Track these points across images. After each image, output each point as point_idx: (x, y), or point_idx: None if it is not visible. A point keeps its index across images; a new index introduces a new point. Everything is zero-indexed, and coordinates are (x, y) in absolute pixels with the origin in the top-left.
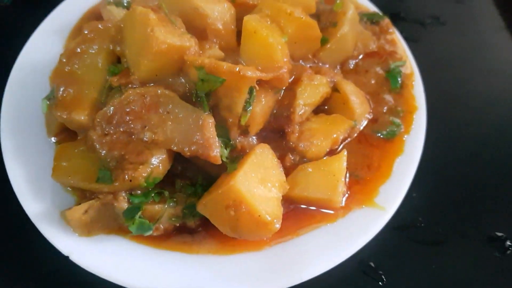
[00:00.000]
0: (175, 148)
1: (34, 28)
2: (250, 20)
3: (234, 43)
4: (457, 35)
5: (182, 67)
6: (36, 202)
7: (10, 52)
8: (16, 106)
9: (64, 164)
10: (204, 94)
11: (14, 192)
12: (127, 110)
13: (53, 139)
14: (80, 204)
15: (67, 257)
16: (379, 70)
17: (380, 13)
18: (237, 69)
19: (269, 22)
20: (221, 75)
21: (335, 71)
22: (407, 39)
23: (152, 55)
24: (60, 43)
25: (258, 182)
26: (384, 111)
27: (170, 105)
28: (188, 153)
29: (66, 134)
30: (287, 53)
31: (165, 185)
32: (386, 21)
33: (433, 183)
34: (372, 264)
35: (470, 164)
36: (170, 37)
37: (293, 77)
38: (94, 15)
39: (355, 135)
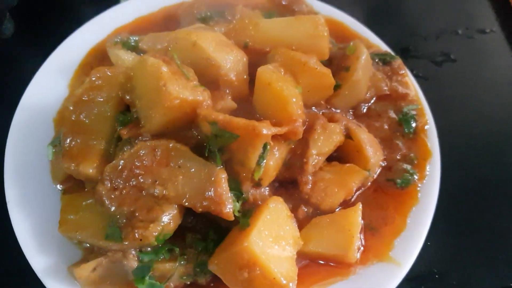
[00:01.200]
0: (186, 203)
1: (37, 62)
2: (264, 72)
3: (247, 92)
4: (468, 72)
5: (195, 120)
6: (42, 256)
7: (12, 89)
8: (21, 150)
9: (72, 217)
10: (217, 149)
11: (20, 246)
12: (137, 164)
13: (59, 187)
14: (87, 259)
15: None
16: (391, 114)
17: (392, 53)
18: (253, 127)
19: (282, 72)
20: (235, 131)
21: (348, 116)
22: (418, 77)
23: (164, 109)
24: (64, 82)
25: (272, 241)
26: (398, 158)
27: (182, 160)
28: (200, 209)
29: (73, 182)
30: (301, 105)
31: (175, 239)
32: (399, 62)
33: (449, 231)
34: None
35: (486, 211)
36: (183, 92)
37: (306, 125)
38: (100, 53)
39: (369, 183)
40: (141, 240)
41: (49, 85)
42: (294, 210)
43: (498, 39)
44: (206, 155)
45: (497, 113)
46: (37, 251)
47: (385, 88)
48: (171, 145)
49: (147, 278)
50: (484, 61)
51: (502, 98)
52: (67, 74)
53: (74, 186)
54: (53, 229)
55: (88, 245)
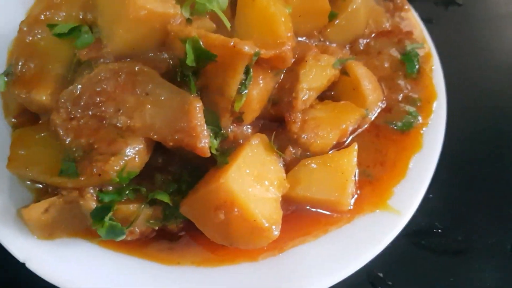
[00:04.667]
0: (155, 136)
1: None
2: None
3: (228, 13)
4: (474, 18)
5: (165, 39)
6: None
7: None
8: None
9: (22, 152)
10: (191, 72)
11: None
12: (98, 89)
13: (12, 121)
14: (39, 201)
15: (23, 264)
16: (393, 52)
17: None
18: (232, 43)
19: None
20: (212, 50)
21: (344, 51)
22: (423, 19)
23: (129, 22)
24: (22, 10)
25: (253, 180)
26: (399, 99)
27: (150, 85)
28: (171, 143)
29: (27, 116)
30: (291, 27)
31: (142, 181)
32: None
33: (453, 182)
34: (380, 274)
35: (495, 161)
36: (151, 2)
37: (296, 56)
38: None
39: (366, 125)
40: (99, 175)
41: (5, 11)
42: (281, 151)
43: None
44: (179, 79)
45: (505, 60)
46: None
47: (387, 23)
48: (137, 68)
49: (107, 219)
50: (491, 5)
51: (509, 45)
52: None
53: (28, 121)
54: (2, 168)
55: (40, 185)
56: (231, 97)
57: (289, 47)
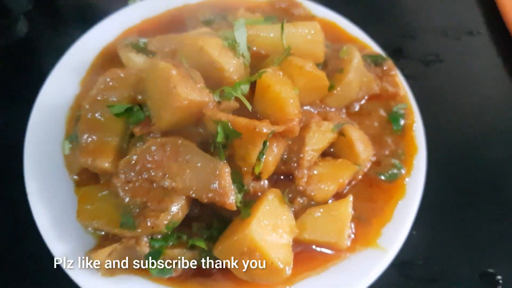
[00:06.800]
0: (193, 195)
1: (50, 63)
2: (264, 75)
3: (248, 95)
4: (455, 72)
5: (201, 118)
6: (60, 243)
7: (27, 88)
8: (38, 146)
9: (88, 207)
10: (221, 145)
11: (39, 232)
12: (149, 158)
13: (74, 178)
14: (103, 245)
15: None
16: (382, 112)
17: (383, 55)
18: (254, 127)
19: (281, 74)
20: (238, 130)
21: (341, 114)
22: (407, 76)
23: (174, 109)
24: (76, 80)
25: (270, 230)
26: (387, 153)
27: (189, 155)
28: (206, 200)
29: (88, 175)
30: (298, 105)
31: (182, 227)
32: (389, 63)
33: (431, 222)
34: None
35: (467, 204)
36: (191, 93)
37: (302, 124)
38: (110, 54)
39: (360, 177)
40: (152, 227)
41: (62, 83)
42: (290, 201)
43: (484, 40)
44: (212, 151)
45: (481, 111)
46: (56, 238)
47: (376, 88)
48: (179, 141)
49: (158, 261)
50: (470, 61)
51: (486, 97)
52: (79, 73)
53: (87, 179)
54: (69, 218)
55: (102, 233)
56: (252, 163)
57: (296, 122)
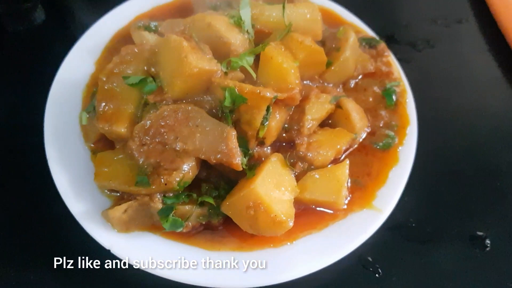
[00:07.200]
0: (202, 156)
1: (66, 46)
2: (267, 48)
3: (253, 66)
4: (444, 57)
5: (209, 87)
6: (78, 203)
7: (45, 68)
8: (57, 118)
9: (105, 169)
10: (228, 110)
11: (59, 194)
12: (162, 123)
13: (91, 146)
14: (119, 204)
15: (109, 250)
16: (376, 89)
17: (377, 38)
18: (258, 91)
19: (282, 48)
20: (243, 95)
21: (338, 90)
22: (400, 60)
23: (185, 77)
24: (91, 61)
25: (274, 187)
26: (381, 125)
27: (199, 119)
28: (214, 161)
29: (103, 142)
30: (298, 76)
31: (192, 188)
32: (382, 45)
33: (423, 188)
34: (370, 258)
35: (456, 172)
36: (201, 62)
37: (302, 95)
38: (122, 37)
39: (356, 146)
40: (166, 184)
41: (79, 63)
42: (292, 165)
43: (472, 28)
44: (220, 115)
45: (469, 89)
46: (74, 199)
47: (371, 67)
48: (190, 108)
49: (170, 216)
50: (459, 47)
51: (473, 78)
52: (94, 54)
53: (102, 146)
54: (86, 181)
55: (118, 194)
56: (256, 127)
57: (297, 91)
